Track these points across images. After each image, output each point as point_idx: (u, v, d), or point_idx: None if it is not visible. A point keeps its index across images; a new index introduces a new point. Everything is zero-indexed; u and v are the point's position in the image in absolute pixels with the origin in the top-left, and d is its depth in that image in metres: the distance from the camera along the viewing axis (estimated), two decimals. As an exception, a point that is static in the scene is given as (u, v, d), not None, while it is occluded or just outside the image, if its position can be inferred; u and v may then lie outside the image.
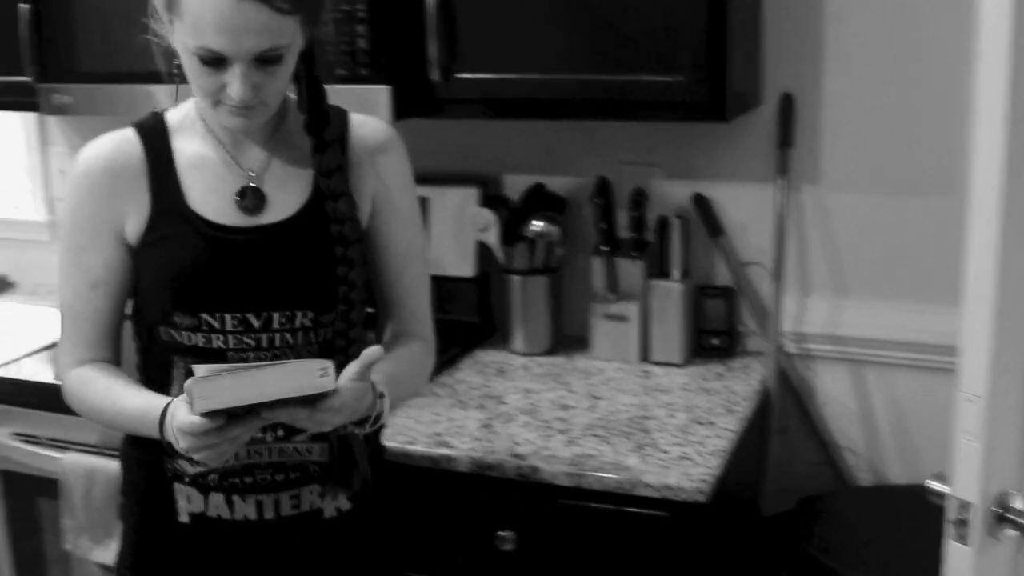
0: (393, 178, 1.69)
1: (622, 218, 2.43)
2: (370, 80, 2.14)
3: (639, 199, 2.36)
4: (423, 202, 2.50)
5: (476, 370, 2.38)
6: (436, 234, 2.53)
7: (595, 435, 2.02)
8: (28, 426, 2.41)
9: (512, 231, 2.43)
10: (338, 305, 1.59)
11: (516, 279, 2.45)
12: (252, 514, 1.64)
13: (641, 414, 2.12)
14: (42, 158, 3.17)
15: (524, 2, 2.12)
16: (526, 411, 2.14)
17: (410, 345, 1.73)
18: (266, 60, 1.47)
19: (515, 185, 2.55)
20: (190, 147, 1.63)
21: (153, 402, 1.56)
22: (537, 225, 2.38)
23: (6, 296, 3.17)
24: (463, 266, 2.52)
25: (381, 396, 1.54)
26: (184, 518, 1.66)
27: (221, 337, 1.59)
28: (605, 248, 2.38)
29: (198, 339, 1.59)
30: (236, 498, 1.63)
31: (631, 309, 2.37)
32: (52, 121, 3.11)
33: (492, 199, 2.50)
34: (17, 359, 2.54)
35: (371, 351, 1.47)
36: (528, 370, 2.38)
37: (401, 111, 2.17)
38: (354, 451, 1.63)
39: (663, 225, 2.39)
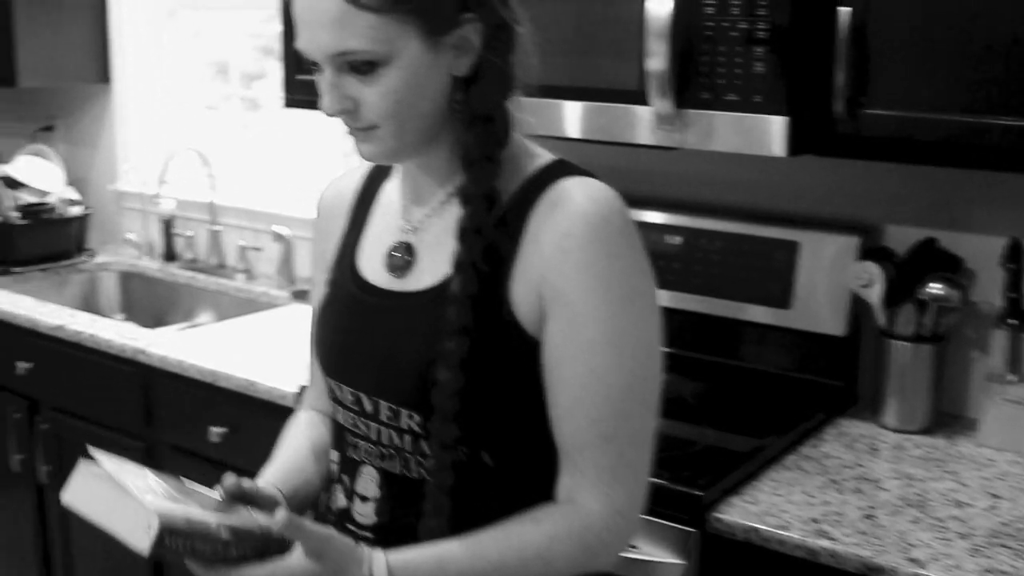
0: (576, 274, 1.22)
1: (1031, 287, 2.09)
2: (765, 109, 1.90)
3: (1059, 268, 2.03)
4: (791, 247, 2.26)
5: (843, 444, 2.10)
6: (804, 284, 2.26)
7: (1005, 546, 1.71)
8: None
9: (896, 290, 2.13)
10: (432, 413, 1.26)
11: (897, 344, 2.15)
12: None
13: (1054, 524, 1.79)
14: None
15: (956, 33, 1.82)
16: (913, 503, 1.84)
17: (542, 521, 1.25)
18: (357, 68, 1.22)
19: (900, 238, 2.24)
20: (391, 188, 1.42)
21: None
22: (935, 287, 2.07)
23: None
24: (833, 323, 2.24)
25: None
26: None
27: (342, 412, 1.38)
28: (1012, 321, 2.05)
29: (333, 406, 1.41)
30: None
31: (1035, 394, 2.04)
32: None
33: (875, 251, 2.21)
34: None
35: (279, 518, 1.17)
36: (903, 451, 2.08)
37: (796, 146, 1.91)
38: None
39: (1084, 300, 2.04)
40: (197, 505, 1.22)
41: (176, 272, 3.48)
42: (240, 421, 2.54)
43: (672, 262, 2.38)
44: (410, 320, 1.30)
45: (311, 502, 1.45)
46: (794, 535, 1.73)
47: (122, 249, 3.74)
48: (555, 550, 1.24)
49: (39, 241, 3.54)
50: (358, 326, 1.35)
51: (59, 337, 2.92)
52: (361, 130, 1.26)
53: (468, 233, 1.24)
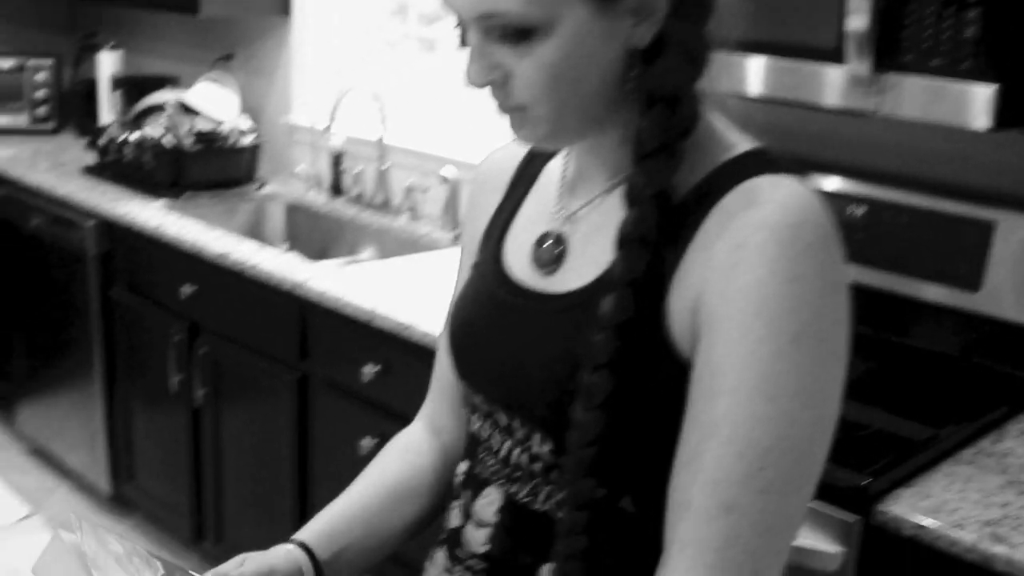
0: (738, 295, 0.96)
1: None
2: (972, 76, 1.76)
3: None
4: (985, 227, 2.11)
5: (1026, 441, 1.96)
6: (997, 267, 2.10)
7: None
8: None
9: (1100, 281, 1.97)
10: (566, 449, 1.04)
11: (1096, 341, 1.99)
12: None
13: None
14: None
15: None
16: (1102, 514, 1.70)
17: None
18: (508, 35, 0.99)
19: (1108, 224, 2.07)
20: (554, 167, 1.20)
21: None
22: None
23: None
24: (1024, 311, 2.09)
25: None
26: None
27: (478, 421, 1.18)
28: None
29: (467, 411, 1.22)
30: None
31: None
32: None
33: (1079, 238, 2.04)
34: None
35: None
36: (1093, 455, 1.93)
37: (1003, 119, 1.76)
38: None
39: None
40: None
41: (341, 207, 3.48)
42: (394, 361, 2.52)
43: (853, 233, 2.25)
44: (548, 330, 1.09)
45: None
46: (966, 537, 1.61)
47: (291, 181, 3.76)
48: None
49: (211, 168, 3.58)
50: (491, 326, 1.15)
51: (222, 264, 2.95)
52: (513, 109, 1.04)
53: (630, 243, 1.00)
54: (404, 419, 1.40)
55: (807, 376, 0.95)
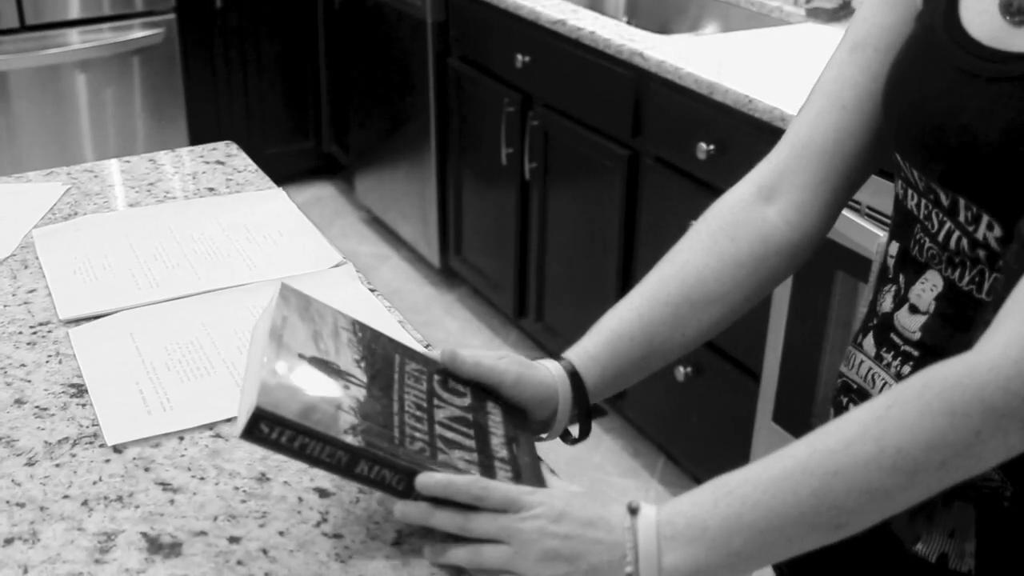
0: None
1: None
2: None
3: None
4: None
5: None
6: None
7: None
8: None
9: None
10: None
11: None
12: None
13: None
14: None
15: None
16: None
17: (889, 391, 0.86)
18: None
19: None
20: None
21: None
22: None
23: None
24: None
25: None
26: None
27: (914, 196, 1.01)
28: None
29: (899, 184, 1.04)
30: None
31: None
32: None
33: None
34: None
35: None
36: None
37: None
38: None
39: None
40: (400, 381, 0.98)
41: (686, -21, 3.25)
42: (731, 140, 2.32)
43: None
44: (1012, 98, 0.89)
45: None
46: None
47: (634, -48, 3.54)
48: (891, 419, 0.82)
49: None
50: (940, 93, 0.96)
51: (558, 32, 2.81)
52: None
53: None
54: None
55: None
